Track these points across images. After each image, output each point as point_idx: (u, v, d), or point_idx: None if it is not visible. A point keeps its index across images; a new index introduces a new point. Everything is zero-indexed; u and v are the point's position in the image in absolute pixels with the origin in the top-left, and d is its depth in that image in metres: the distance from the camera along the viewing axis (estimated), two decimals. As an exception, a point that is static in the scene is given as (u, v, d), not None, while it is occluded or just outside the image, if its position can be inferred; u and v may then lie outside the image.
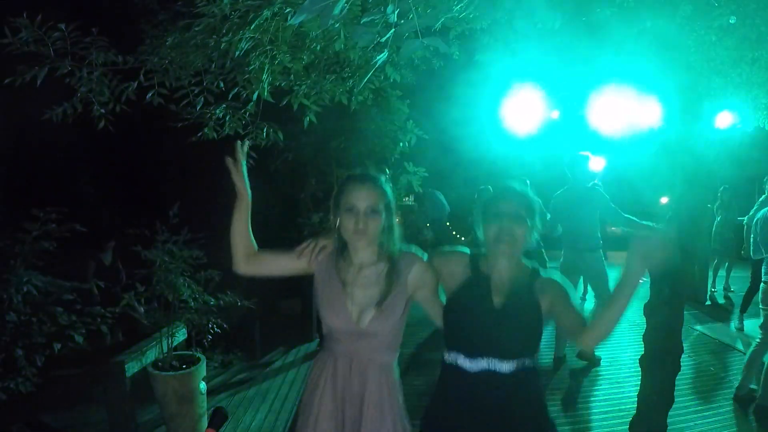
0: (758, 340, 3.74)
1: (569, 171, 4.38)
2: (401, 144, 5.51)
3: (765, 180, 5.29)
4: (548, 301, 1.63)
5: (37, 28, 2.18)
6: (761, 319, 3.75)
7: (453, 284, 1.70)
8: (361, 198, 1.61)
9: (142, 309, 4.41)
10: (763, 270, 3.79)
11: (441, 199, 7.56)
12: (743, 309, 5.39)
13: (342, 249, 1.71)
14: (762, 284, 3.77)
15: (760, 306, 3.78)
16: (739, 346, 4.94)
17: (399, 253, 1.70)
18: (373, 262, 1.68)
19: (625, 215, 4.15)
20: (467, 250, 1.77)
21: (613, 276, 3.63)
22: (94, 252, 5.02)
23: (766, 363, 3.64)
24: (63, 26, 2.22)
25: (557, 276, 1.69)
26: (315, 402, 1.66)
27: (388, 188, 1.69)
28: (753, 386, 3.72)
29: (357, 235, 1.61)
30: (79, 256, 4.72)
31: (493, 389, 1.58)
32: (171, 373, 3.19)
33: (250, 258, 1.72)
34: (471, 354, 1.61)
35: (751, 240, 4.09)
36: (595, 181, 4.42)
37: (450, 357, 1.66)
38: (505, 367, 1.57)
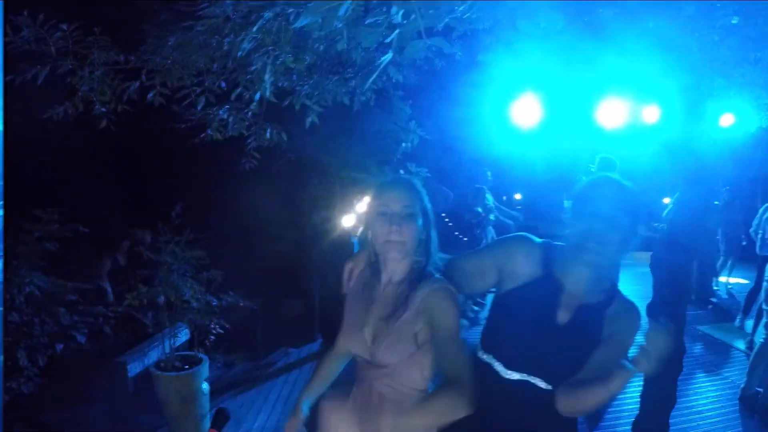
0: (761, 340, 3.72)
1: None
2: (403, 144, 5.50)
3: None
4: (610, 331, 1.33)
5: (39, 26, 2.19)
6: (765, 319, 3.74)
7: (512, 279, 1.41)
8: (394, 200, 1.40)
9: (144, 309, 4.40)
10: (766, 269, 3.78)
11: (441, 188, 7.32)
12: (746, 309, 5.37)
13: (374, 265, 1.51)
14: (765, 283, 3.76)
15: (764, 306, 3.76)
16: (742, 346, 4.92)
17: (428, 278, 1.40)
18: (400, 280, 1.45)
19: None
20: (537, 242, 1.44)
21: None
22: (109, 250, 4.98)
23: (769, 363, 3.63)
24: (65, 26, 2.23)
25: (636, 309, 1.38)
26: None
27: (425, 194, 1.46)
28: (759, 389, 3.70)
29: (390, 243, 1.39)
30: (93, 254, 4.69)
31: (527, 401, 1.39)
32: (173, 373, 3.20)
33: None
34: (509, 366, 1.40)
35: (758, 237, 4.08)
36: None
37: (485, 356, 1.46)
38: (545, 384, 1.38)
